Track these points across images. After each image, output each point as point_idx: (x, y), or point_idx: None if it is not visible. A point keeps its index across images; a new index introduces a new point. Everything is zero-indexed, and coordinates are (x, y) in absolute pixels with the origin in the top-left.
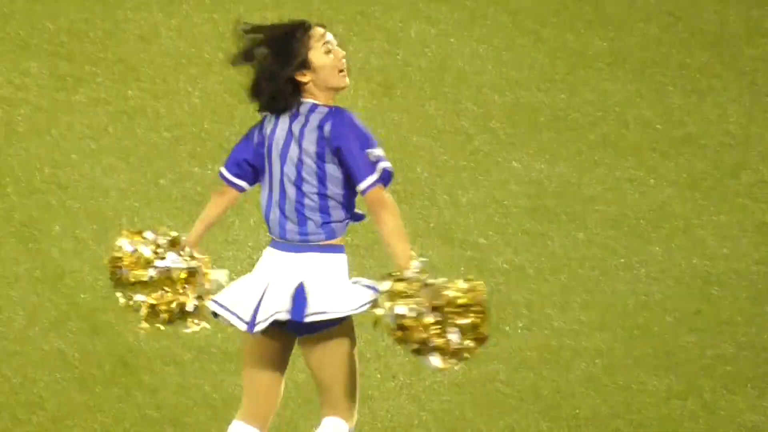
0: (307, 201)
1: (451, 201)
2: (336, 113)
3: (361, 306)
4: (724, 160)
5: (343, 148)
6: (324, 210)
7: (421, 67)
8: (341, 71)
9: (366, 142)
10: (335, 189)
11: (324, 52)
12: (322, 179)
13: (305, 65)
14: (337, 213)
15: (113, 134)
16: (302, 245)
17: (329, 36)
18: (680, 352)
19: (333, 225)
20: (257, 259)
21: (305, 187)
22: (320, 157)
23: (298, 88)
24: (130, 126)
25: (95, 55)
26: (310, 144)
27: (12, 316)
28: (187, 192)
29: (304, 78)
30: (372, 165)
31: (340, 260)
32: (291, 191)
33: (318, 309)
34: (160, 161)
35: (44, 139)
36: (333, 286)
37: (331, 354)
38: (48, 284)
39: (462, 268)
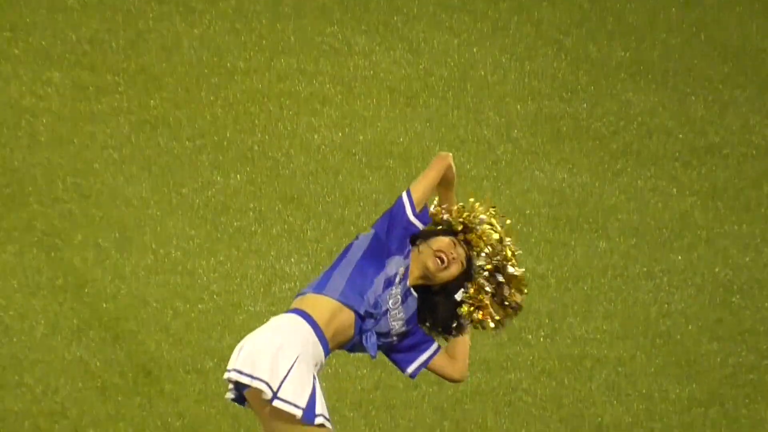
0: None
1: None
2: None
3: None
4: (746, 170)
5: None
6: None
7: (444, 76)
8: (440, 260)
9: None
10: None
11: (448, 239)
12: None
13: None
14: None
15: (135, 144)
16: None
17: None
18: (702, 360)
19: None
20: (279, 269)
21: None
22: None
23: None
24: (152, 135)
25: (117, 65)
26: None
27: (34, 325)
28: (209, 201)
29: (418, 241)
30: None
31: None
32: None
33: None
34: (182, 170)
35: (66, 149)
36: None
37: (264, 422)
38: (70, 293)
39: None
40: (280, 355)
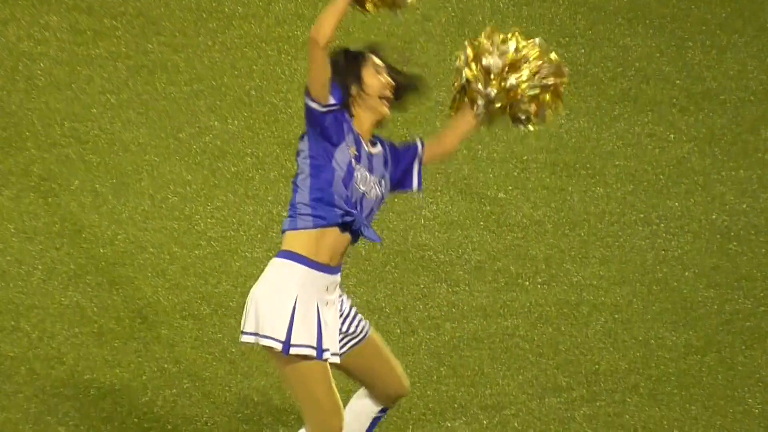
0: None
1: (471, 155)
2: None
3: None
4: (744, 115)
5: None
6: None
7: (441, 22)
8: (387, 99)
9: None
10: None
11: (374, 74)
12: None
13: (356, 79)
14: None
15: (133, 88)
16: None
17: (380, 62)
18: (699, 307)
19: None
20: (277, 214)
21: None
22: None
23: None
24: (149, 80)
25: (115, 9)
26: None
27: (30, 270)
28: (207, 146)
29: (353, 91)
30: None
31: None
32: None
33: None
34: (179, 115)
35: (64, 93)
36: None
37: (282, 374)
38: (66, 238)
39: (481, 223)
40: (278, 306)
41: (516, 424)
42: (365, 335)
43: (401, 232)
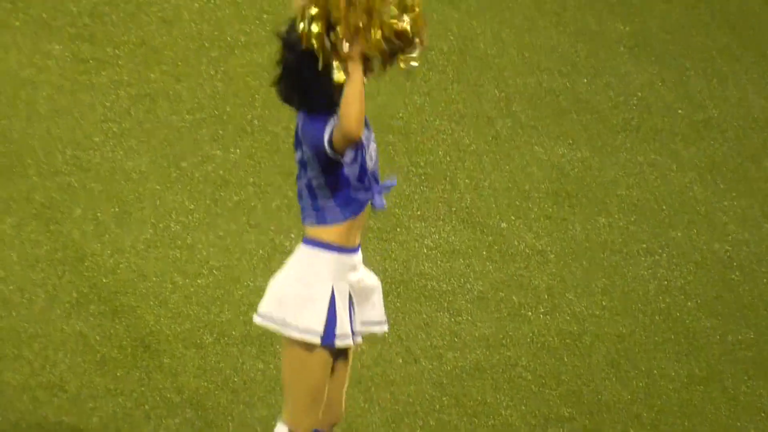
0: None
1: (473, 185)
2: None
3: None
4: (746, 144)
5: None
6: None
7: (443, 50)
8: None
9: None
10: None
11: None
12: None
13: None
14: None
15: (135, 117)
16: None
17: None
18: (701, 337)
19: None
20: (279, 243)
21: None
22: None
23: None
24: (152, 108)
25: (117, 38)
26: None
27: (33, 298)
28: (209, 175)
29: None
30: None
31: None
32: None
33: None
34: (181, 144)
35: (66, 121)
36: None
37: (283, 356)
38: (69, 266)
39: (483, 252)
40: (314, 297)
41: None
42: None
43: (403, 262)
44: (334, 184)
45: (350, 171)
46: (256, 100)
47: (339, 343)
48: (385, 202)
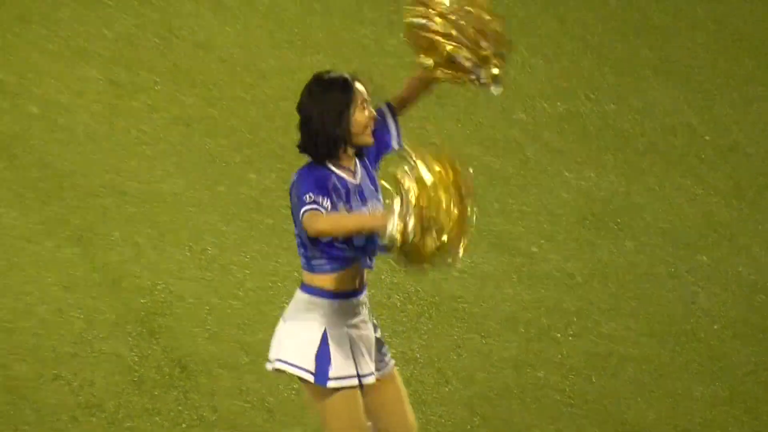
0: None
1: (502, 209)
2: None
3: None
4: None
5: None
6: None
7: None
8: (370, 130)
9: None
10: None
11: (361, 110)
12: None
13: (345, 123)
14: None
15: (170, 141)
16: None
17: (364, 91)
18: (726, 358)
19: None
20: None
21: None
22: None
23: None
24: (186, 133)
25: (152, 63)
26: None
27: (71, 320)
28: (243, 198)
29: (342, 135)
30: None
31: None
32: None
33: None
34: (215, 168)
35: (102, 145)
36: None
37: (308, 402)
38: (106, 288)
39: (513, 276)
40: (306, 340)
41: None
42: (388, 369)
43: (436, 285)
44: (319, 242)
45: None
46: (289, 125)
47: (333, 384)
48: (372, 264)
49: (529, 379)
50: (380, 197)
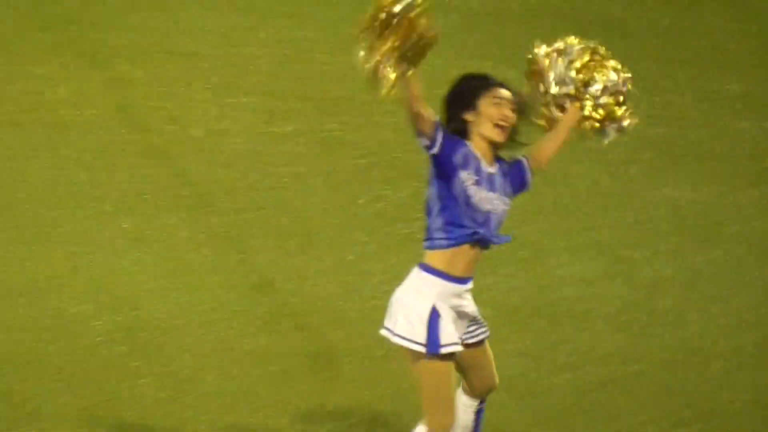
0: None
1: (606, 220)
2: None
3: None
4: None
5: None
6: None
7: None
8: (498, 126)
9: None
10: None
11: (492, 104)
12: None
13: (472, 107)
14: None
15: (317, 160)
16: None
17: (505, 94)
18: None
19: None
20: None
21: None
22: None
23: (466, 126)
24: (331, 153)
25: (304, 93)
26: None
27: (229, 318)
28: (380, 211)
29: (469, 117)
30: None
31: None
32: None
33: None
34: (356, 184)
35: (257, 165)
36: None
37: (409, 367)
38: (259, 290)
39: (617, 279)
40: (418, 312)
41: None
42: (482, 340)
43: (546, 287)
44: (444, 206)
45: (459, 195)
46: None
47: (444, 351)
48: (508, 237)
49: (630, 371)
50: (508, 202)
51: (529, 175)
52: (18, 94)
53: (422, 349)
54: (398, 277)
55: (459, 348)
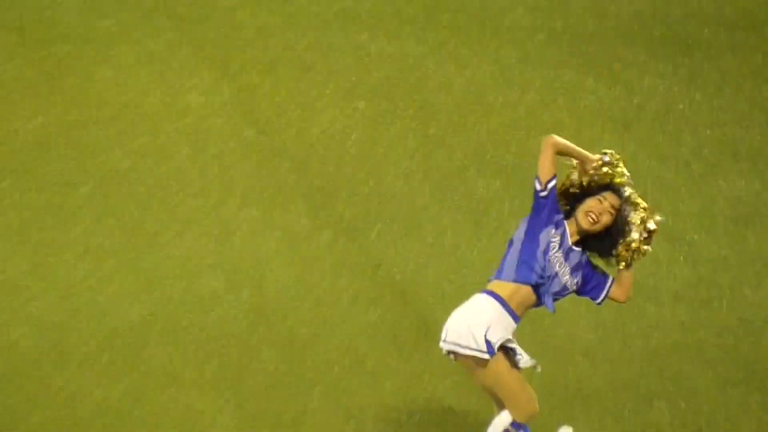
0: None
1: (671, 209)
2: None
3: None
4: None
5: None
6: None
7: (652, 110)
8: (591, 218)
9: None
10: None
11: (596, 199)
12: None
13: (582, 201)
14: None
15: (420, 158)
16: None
17: (610, 198)
18: None
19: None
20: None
21: None
22: None
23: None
24: (432, 152)
25: (409, 99)
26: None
27: (340, 297)
28: (475, 203)
29: (577, 205)
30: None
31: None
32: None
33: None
34: (455, 180)
35: (368, 161)
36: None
37: (477, 375)
38: (369, 270)
39: (681, 258)
40: (478, 325)
41: (705, 408)
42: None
43: None
44: (525, 245)
45: (542, 242)
46: (510, 148)
47: (496, 347)
48: (552, 306)
49: (693, 338)
50: (572, 283)
51: (602, 294)
52: (159, 103)
53: (485, 356)
54: (490, 261)
55: (508, 339)
